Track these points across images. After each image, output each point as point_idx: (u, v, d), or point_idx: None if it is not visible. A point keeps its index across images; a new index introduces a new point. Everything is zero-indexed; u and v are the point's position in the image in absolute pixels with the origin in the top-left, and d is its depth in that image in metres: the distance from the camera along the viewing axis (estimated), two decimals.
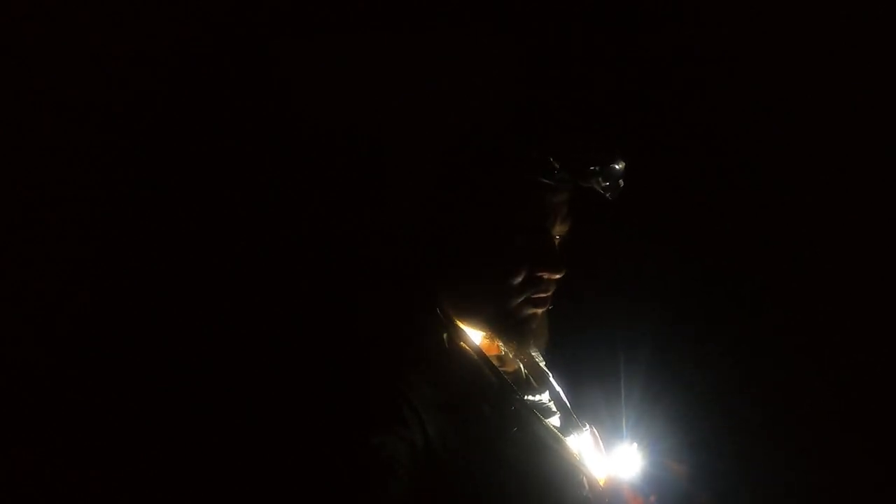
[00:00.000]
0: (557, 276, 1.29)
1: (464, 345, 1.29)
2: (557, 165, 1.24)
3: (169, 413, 1.70)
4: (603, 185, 1.25)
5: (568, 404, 1.42)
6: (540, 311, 1.31)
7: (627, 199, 1.29)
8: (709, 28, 2.08)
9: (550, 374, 1.44)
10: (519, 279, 1.27)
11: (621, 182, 1.26)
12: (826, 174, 2.04)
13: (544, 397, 1.37)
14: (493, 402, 1.25)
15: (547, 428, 1.28)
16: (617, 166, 1.25)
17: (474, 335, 1.32)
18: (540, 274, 1.27)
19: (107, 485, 1.65)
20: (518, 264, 1.26)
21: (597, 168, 1.24)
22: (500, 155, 1.27)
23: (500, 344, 1.33)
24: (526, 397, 1.30)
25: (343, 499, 1.13)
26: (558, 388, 1.43)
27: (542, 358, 1.46)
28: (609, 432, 1.38)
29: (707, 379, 1.96)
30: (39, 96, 1.71)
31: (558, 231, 1.29)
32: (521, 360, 1.39)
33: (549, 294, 1.31)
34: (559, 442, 1.28)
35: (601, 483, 1.29)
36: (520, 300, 1.28)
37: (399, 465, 1.13)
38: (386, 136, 1.89)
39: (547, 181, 1.25)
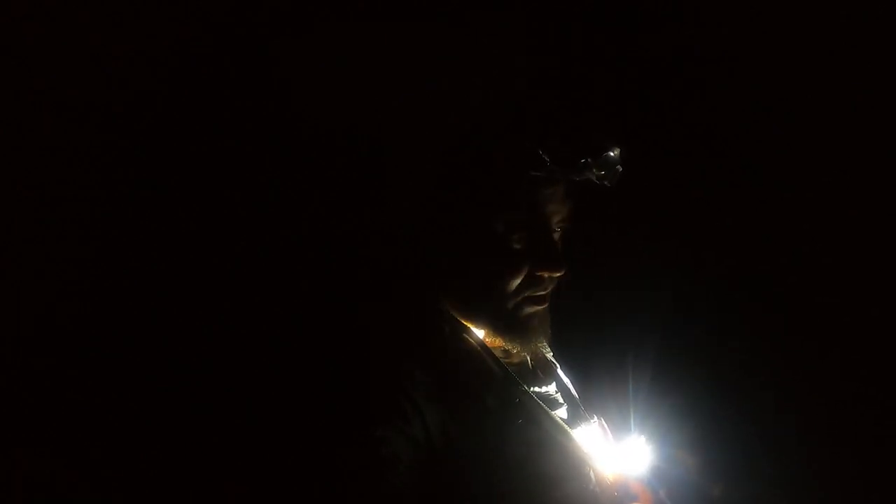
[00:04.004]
0: (557, 275, 1.28)
1: (466, 337, 1.29)
2: (547, 159, 1.22)
3: (169, 412, 1.68)
4: (598, 174, 1.23)
5: (576, 396, 1.41)
6: (540, 308, 1.30)
7: (635, 195, 1.28)
8: (709, 28, 2.09)
9: (558, 366, 1.44)
10: (518, 279, 1.26)
11: (619, 168, 1.24)
12: (826, 172, 2.04)
13: (551, 389, 1.36)
14: (496, 393, 1.25)
15: (553, 420, 1.27)
16: (611, 153, 1.23)
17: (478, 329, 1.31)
18: (540, 273, 1.26)
19: (107, 485, 1.63)
20: (517, 264, 1.26)
21: (588, 160, 1.22)
22: (500, 155, 1.27)
23: (503, 342, 1.32)
24: (532, 389, 1.30)
25: (344, 494, 1.12)
26: (566, 380, 1.42)
27: (549, 349, 1.45)
28: (617, 425, 1.37)
29: (716, 371, 1.95)
30: (39, 96, 1.70)
31: (557, 224, 1.28)
32: (527, 352, 1.37)
33: (548, 291, 1.30)
34: (566, 434, 1.27)
35: (609, 477, 1.28)
36: (519, 300, 1.27)
37: (400, 460, 1.13)
38: (386, 136, 1.89)
39: (538, 175, 1.23)
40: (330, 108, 1.90)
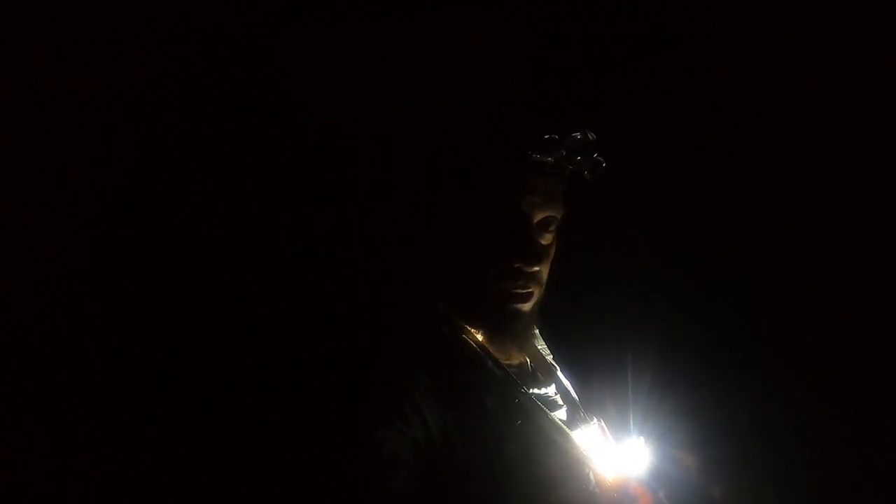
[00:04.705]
0: (535, 268, 1.27)
1: (466, 339, 1.29)
2: (518, 141, 1.24)
3: (172, 411, 1.69)
4: (571, 158, 1.23)
5: (576, 398, 1.40)
6: (524, 308, 1.30)
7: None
8: (706, 25, 2.09)
9: (558, 368, 1.43)
10: (493, 269, 1.26)
11: (597, 158, 1.24)
12: (826, 168, 2.05)
13: (550, 390, 1.36)
14: (496, 395, 1.25)
15: (552, 422, 1.27)
16: (578, 136, 1.23)
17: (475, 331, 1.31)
18: (516, 265, 1.26)
19: (109, 484, 1.64)
20: (492, 253, 1.26)
21: (554, 137, 1.23)
22: (478, 145, 1.28)
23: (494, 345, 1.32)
24: (531, 390, 1.30)
25: (346, 494, 1.13)
26: (566, 382, 1.42)
27: (549, 351, 1.45)
28: (617, 426, 1.37)
29: (716, 371, 1.95)
30: (40, 96, 1.70)
31: (543, 219, 1.28)
32: (527, 354, 1.38)
33: (529, 290, 1.29)
34: (565, 436, 1.27)
35: (609, 478, 1.28)
36: (498, 292, 1.27)
37: (400, 460, 1.13)
38: (382, 139, 1.90)
39: (514, 161, 1.24)
40: (327, 109, 1.91)
